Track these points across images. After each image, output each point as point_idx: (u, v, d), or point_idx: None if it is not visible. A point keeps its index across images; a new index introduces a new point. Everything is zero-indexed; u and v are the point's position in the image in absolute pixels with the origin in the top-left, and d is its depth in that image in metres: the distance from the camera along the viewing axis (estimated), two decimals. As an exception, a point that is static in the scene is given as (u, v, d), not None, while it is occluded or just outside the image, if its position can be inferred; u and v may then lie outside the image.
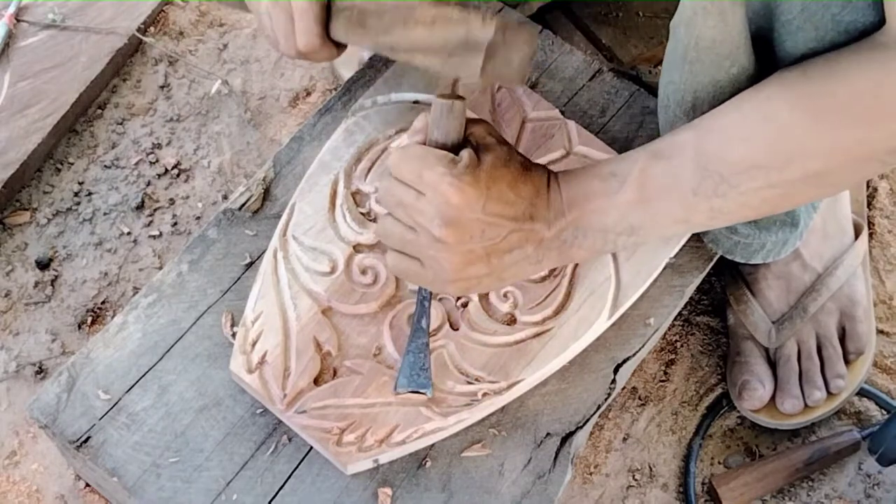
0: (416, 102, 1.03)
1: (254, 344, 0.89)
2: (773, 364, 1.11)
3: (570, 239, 0.83)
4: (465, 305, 0.94)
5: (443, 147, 0.81)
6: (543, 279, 0.95)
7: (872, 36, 0.74)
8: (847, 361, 1.11)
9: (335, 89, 1.27)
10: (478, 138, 0.83)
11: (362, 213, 0.97)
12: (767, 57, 0.85)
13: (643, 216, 0.81)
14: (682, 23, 0.86)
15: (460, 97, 0.81)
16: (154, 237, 1.20)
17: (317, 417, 0.87)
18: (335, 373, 0.90)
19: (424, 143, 0.83)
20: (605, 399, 0.94)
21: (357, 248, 0.95)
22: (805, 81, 0.76)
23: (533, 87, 1.09)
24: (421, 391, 0.88)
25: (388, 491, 0.88)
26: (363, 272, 0.94)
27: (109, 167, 1.24)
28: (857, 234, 1.15)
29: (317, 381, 0.89)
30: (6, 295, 1.16)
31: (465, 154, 0.80)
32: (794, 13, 0.79)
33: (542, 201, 0.82)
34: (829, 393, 1.10)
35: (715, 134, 0.79)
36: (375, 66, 1.08)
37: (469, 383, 0.90)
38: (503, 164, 0.81)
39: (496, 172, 0.80)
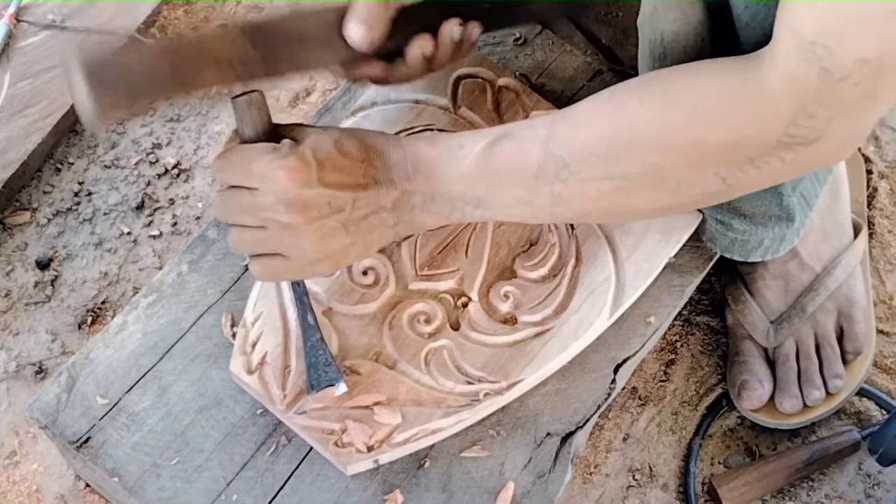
0: (416, 102, 1.03)
1: (254, 344, 0.89)
2: (772, 364, 1.11)
3: (420, 204, 0.81)
4: (465, 305, 0.94)
5: (257, 142, 0.79)
6: (544, 279, 0.95)
7: (746, 55, 0.74)
8: (845, 361, 1.11)
9: (335, 89, 1.27)
10: (291, 130, 0.81)
11: (362, 214, 0.97)
12: (734, 51, 0.86)
13: (488, 191, 0.80)
14: (646, 20, 0.87)
15: (255, 90, 0.79)
16: (154, 237, 1.20)
17: (317, 418, 0.87)
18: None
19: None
20: (605, 399, 0.94)
21: (357, 248, 0.95)
22: (664, 78, 0.77)
23: (533, 87, 1.09)
24: (333, 386, 0.86)
25: (399, 497, 0.88)
26: (363, 273, 0.94)
27: (109, 167, 1.24)
28: (856, 234, 1.15)
29: (317, 382, 0.89)
30: (6, 295, 1.16)
31: (285, 140, 0.78)
32: (741, 9, 0.80)
33: (382, 162, 0.80)
34: (827, 393, 1.10)
35: (567, 120, 0.79)
36: (375, 66, 1.08)
37: (469, 383, 0.90)
38: (325, 137, 0.79)
39: (320, 145, 0.78)
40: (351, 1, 0.82)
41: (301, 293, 0.87)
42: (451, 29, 0.87)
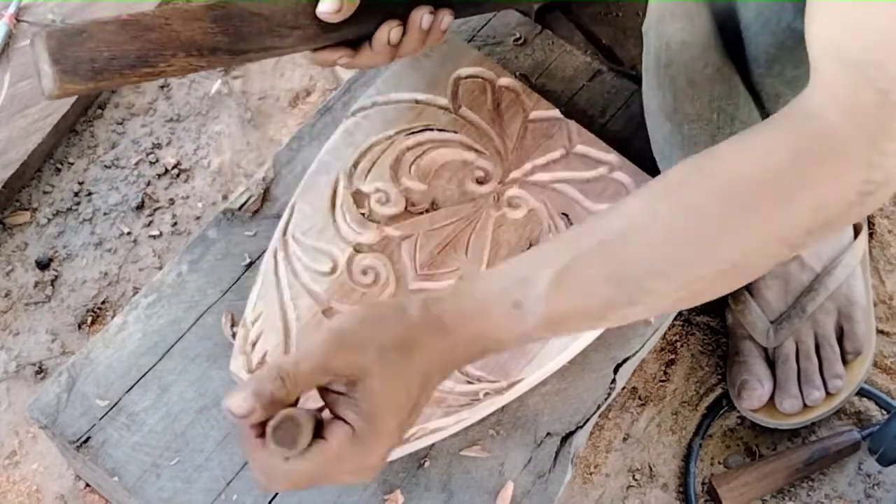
0: (416, 102, 1.03)
1: (254, 344, 0.89)
2: (772, 364, 1.11)
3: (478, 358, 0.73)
4: (465, 305, 0.94)
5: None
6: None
7: (790, 104, 0.67)
8: (845, 362, 1.11)
9: (335, 89, 1.27)
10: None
11: (362, 214, 0.97)
12: (737, 60, 0.86)
13: (556, 332, 0.72)
14: (652, 27, 0.86)
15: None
16: (154, 237, 1.20)
17: (317, 417, 0.87)
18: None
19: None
20: (605, 399, 0.94)
21: (357, 248, 0.95)
22: (713, 165, 0.68)
23: (533, 87, 1.09)
24: None
25: (400, 497, 0.88)
26: (364, 272, 0.94)
27: (109, 167, 1.24)
28: (856, 234, 1.15)
29: (317, 381, 0.89)
30: (6, 295, 1.16)
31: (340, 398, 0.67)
32: (752, 18, 0.78)
33: (434, 361, 0.69)
34: (827, 393, 1.10)
35: (627, 238, 0.69)
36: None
37: (469, 383, 0.90)
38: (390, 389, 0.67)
39: (381, 405, 0.66)
40: None
41: None
42: (422, 16, 0.85)
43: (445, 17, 0.87)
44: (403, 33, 0.85)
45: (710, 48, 0.83)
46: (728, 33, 0.83)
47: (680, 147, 0.94)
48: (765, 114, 0.91)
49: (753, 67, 0.85)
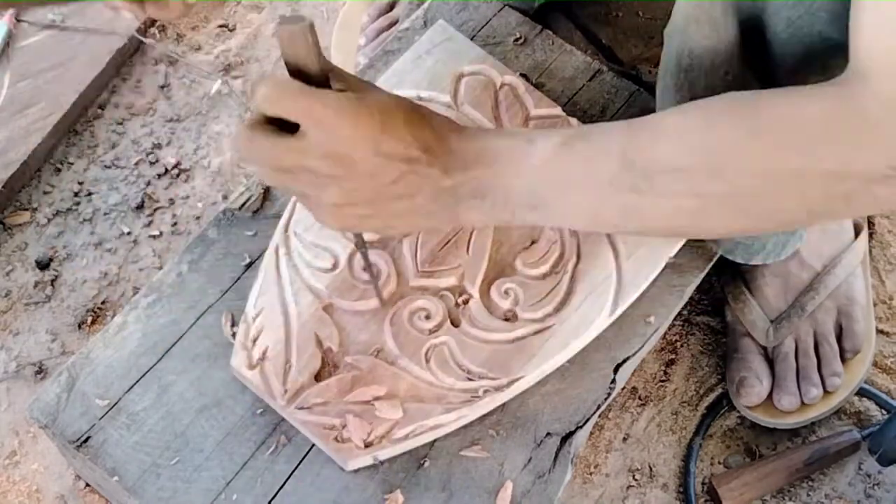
0: (419, 98, 1.03)
1: (255, 340, 0.89)
2: (770, 361, 1.11)
3: (468, 197, 0.76)
4: (466, 302, 0.94)
5: (307, 80, 0.71)
6: (545, 276, 0.95)
7: (832, 81, 0.69)
8: (843, 360, 1.11)
9: (335, 89, 1.27)
10: (358, 84, 0.74)
11: (363, 212, 0.97)
12: (760, 67, 0.86)
13: (551, 191, 0.75)
14: (676, 31, 0.86)
15: (302, 17, 0.70)
16: (154, 237, 1.20)
17: (318, 413, 0.87)
18: (336, 369, 0.90)
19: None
20: (605, 399, 0.94)
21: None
22: (755, 100, 0.71)
23: (533, 86, 1.09)
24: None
25: (400, 497, 0.88)
26: (364, 269, 0.94)
27: (109, 167, 1.24)
28: (857, 234, 1.15)
29: (318, 377, 0.89)
30: (6, 295, 1.16)
31: (351, 93, 0.72)
32: (781, 27, 0.78)
33: (444, 147, 0.75)
34: (826, 391, 1.10)
35: (650, 128, 0.73)
36: (375, 66, 1.08)
37: (470, 380, 0.90)
38: (398, 106, 0.74)
39: (390, 110, 0.73)
40: None
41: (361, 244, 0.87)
42: None
43: None
44: None
45: (733, 56, 0.83)
46: (751, 40, 0.83)
47: None
48: None
49: (779, 74, 0.84)
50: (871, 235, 1.23)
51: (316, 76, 0.72)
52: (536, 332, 0.93)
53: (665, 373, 1.16)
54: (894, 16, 0.63)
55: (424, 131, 0.75)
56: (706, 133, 0.71)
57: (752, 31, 0.83)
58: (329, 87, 0.74)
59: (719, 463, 1.13)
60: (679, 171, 0.71)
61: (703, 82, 0.87)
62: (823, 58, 0.79)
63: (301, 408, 0.87)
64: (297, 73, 0.72)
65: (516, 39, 1.14)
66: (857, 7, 0.65)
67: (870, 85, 0.65)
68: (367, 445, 0.86)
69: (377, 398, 0.88)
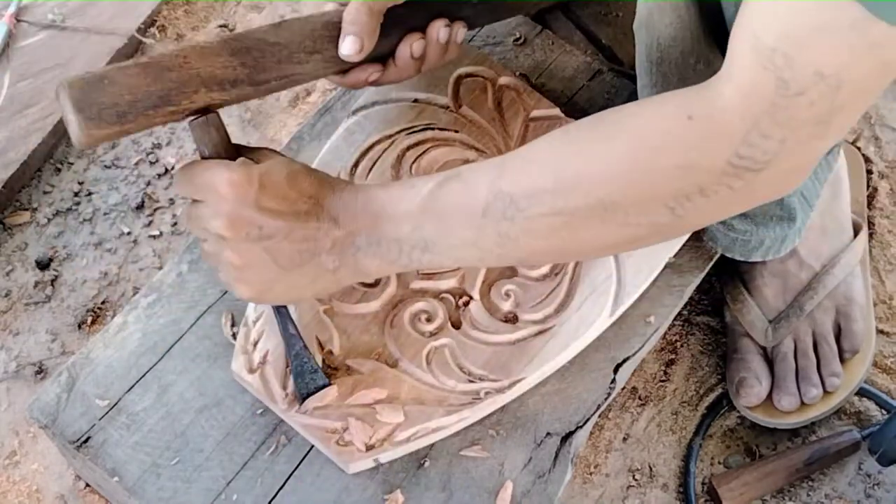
0: (417, 101, 1.03)
1: (255, 343, 0.89)
2: (770, 361, 1.11)
3: (364, 246, 0.79)
4: (466, 304, 0.94)
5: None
6: (545, 277, 0.95)
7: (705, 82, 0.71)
8: (842, 360, 1.11)
9: (335, 89, 1.27)
10: (254, 153, 0.80)
11: (363, 213, 0.97)
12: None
13: (435, 231, 0.77)
14: (642, 24, 0.87)
15: (209, 110, 0.78)
16: (154, 237, 1.20)
17: (318, 416, 0.87)
18: (337, 372, 0.90)
19: None
20: (605, 399, 0.94)
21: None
22: (614, 113, 0.74)
23: (533, 86, 1.09)
24: (321, 387, 0.87)
25: (400, 498, 0.88)
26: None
27: (109, 167, 1.24)
28: (856, 234, 1.15)
29: (318, 380, 0.89)
30: (6, 295, 1.16)
31: (240, 159, 0.78)
32: (731, 12, 0.79)
33: (332, 202, 0.79)
34: (825, 391, 1.10)
35: (518, 157, 0.76)
36: (375, 66, 1.08)
37: (471, 382, 0.90)
38: (282, 164, 0.78)
39: (272, 168, 0.77)
40: (335, 9, 0.82)
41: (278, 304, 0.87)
42: (438, 30, 0.87)
43: (460, 30, 0.89)
44: (424, 47, 0.87)
45: (700, 43, 0.84)
46: (718, 28, 0.84)
47: None
48: None
49: None
50: (871, 235, 1.23)
51: (226, 155, 0.79)
52: (537, 334, 0.93)
53: (665, 373, 1.16)
54: (764, 3, 0.63)
55: (308, 186, 0.79)
56: (564, 150, 0.74)
57: (716, 17, 0.83)
58: None
59: (719, 463, 1.13)
60: (541, 193, 0.73)
61: (676, 74, 0.88)
62: None
63: (302, 411, 0.87)
64: (209, 157, 0.79)
65: (516, 39, 1.14)
66: (742, 5, 0.66)
67: (731, 73, 0.67)
68: (369, 448, 0.86)
69: (378, 401, 0.88)
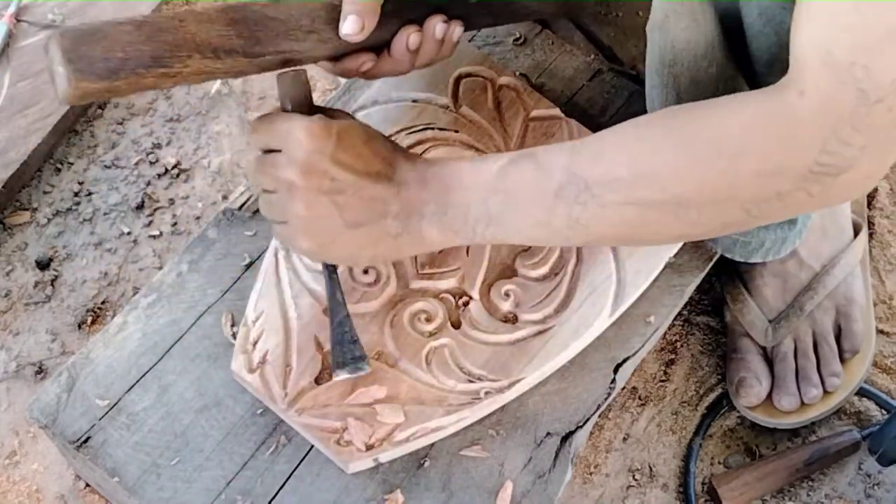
0: (417, 101, 1.03)
1: (255, 343, 0.89)
2: (770, 361, 1.11)
3: (430, 214, 0.80)
4: (466, 304, 0.94)
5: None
6: (545, 277, 0.95)
7: (771, 86, 0.71)
8: (842, 360, 1.11)
9: (335, 89, 1.27)
10: (332, 111, 0.83)
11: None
12: (741, 60, 0.86)
13: (504, 206, 0.79)
14: (657, 26, 0.87)
15: (301, 68, 0.82)
16: (154, 237, 1.20)
17: (318, 416, 0.87)
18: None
19: None
20: (605, 399, 0.94)
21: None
22: (685, 112, 0.75)
23: (533, 86, 1.09)
24: (359, 368, 0.86)
25: (400, 498, 0.88)
26: (364, 271, 0.94)
27: (109, 167, 1.24)
28: (856, 234, 1.15)
29: (318, 381, 0.89)
30: (6, 295, 1.16)
31: (318, 114, 0.81)
32: (754, 17, 0.79)
33: (404, 166, 0.81)
34: (825, 391, 1.10)
35: (590, 145, 0.78)
36: (375, 66, 1.08)
37: (470, 382, 0.90)
38: (359, 125, 0.81)
39: (350, 128, 0.80)
40: None
41: (331, 269, 0.87)
42: (435, 25, 0.87)
43: (456, 29, 0.89)
44: (420, 41, 0.87)
45: (714, 47, 0.84)
46: (732, 33, 0.84)
47: None
48: None
49: (756, 67, 0.85)
50: (871, 235, 1.23)
51: (306, 110, 0.82)
52: (537, 334, 0.93)
53: (665, 373, 1.16)
54: (826, 14, 0.64)
55: (383, 148, 0.81)
56: (638, 145, 0.75)
57: (731, 23, 0.83)
58: None
59: (719, 463, 1.13)
60: (617, 182, 0.75)
61: (688, 77, 0.88)
62: None
63: (302, 411, 0.87)
64: (288, 110, 0.83)
65: (516, 39, 1.14)
66: (798, 7, 0.67)
67: (800, 84, 0.67)
68: (369, 448, 0.86)
69: (378, 401, 0.88)
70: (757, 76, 0.87)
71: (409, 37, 0.86)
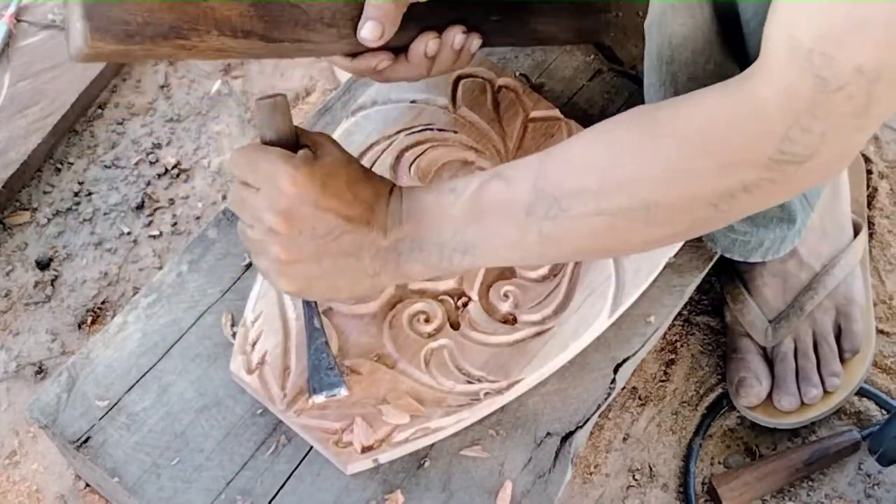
0: (415, 102, 1.03)
1: (254, 344, 0.89)
2: (770, 361, 1.11)
3: (406, 252, 0.80)
4: (465, 305, 0.94)
5: (277, 145, 0.80)
6: (544, 278, 0.95)
7: (733, 77, 0.71)
8: (842, 360, 1.11)
9: (335, 89, 1.27)
10: (315, 141, 0.82)
11: (362, 213, 0.97)
12: (739, 57, 0.86)
13: (477, 233, 0.78)
14: (654, 23, 0.87)
15: (280, 94, 0.80)
16: (154, 237, 1.20)
17: (317, 417, 0.87)
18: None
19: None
20: (605, 399, 0.94)
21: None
22: (653, 110, 0.74)
23: (533, 87, 1.09)
24: (335, 393, 0.86)
25: (400, 498, 0.88)
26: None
27: (109, 167, 1.24)
28: (856, 234, 1.15)
29: (317, 381, 0.89)
30: (6, 295, 1.16)
31: (302, 151, 0.79)
32: (749, 15, 0.79)
33: (382, 209, 0.80)
34: (825, 391, 1.10)
35: (557, 157, 0.76)
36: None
37: (469, 383, 0.90)
38: (342, 164, 0.80)
39: (334, 170, 0.79)
40: None
41: (308, 312, 0.87)
42: (455, 35, 0.87)
43: (474, 41, 0.90)
44: (438, 48, 0.87)
45: (712, 44, 0.84)
46: (729, 30, 0.84)
47: None
48: None
49: (753, 62, 0.85)
50: (871, 235, 1.23)
51: (287, 141, 0.81)
52: (536, 335, 0.93)
53: (665, 373, 1.16)
54: (794, 11, 0.64)
55: (365, 191, 0.80)
56: (604, 151, 0.74)
57: (728, 18, 0.83)
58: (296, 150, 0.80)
59: (719, 463, 1.13)
60: (585, 192, 0.74)
61: (686, 74, 0.88)
62: None
63: (300, 412, 0.87)
64: (270, 141, 0.81)
65: (516, 39, 1.14)
66: (772, 5, 0.67)
67: (768, 74, 0.67)
68: (368, 449, 0.86)
69: (380, 402, 0.88)
70: None
71: (427, 43, 0.86)
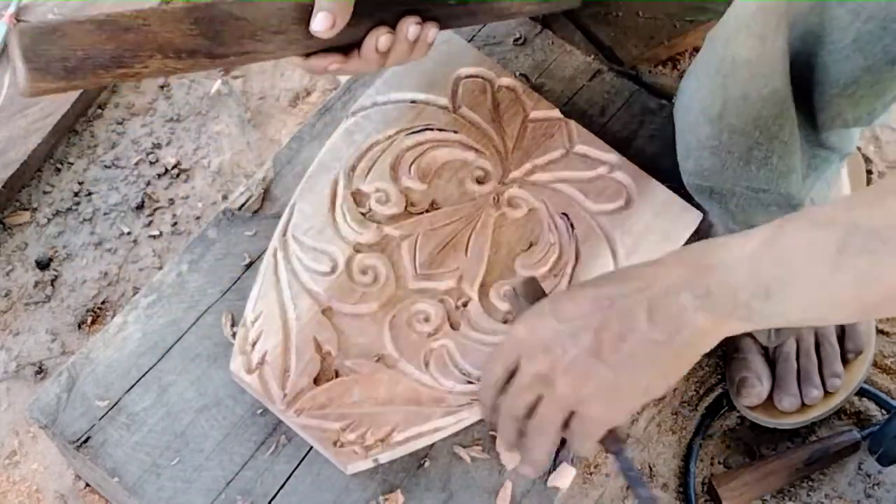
0: (416, 102, 1.03)
1: (254, 344, 0.89)
2: (771, 361, 1.11)
3: (691, 303, 0.70)
4: (465, 305, 0.94)
5: None
6: (544, 278, 0.95)
7: None
8: (845, 360, 1.11)
9: (335, 89, 1.27)
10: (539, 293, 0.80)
11: (362, 214, 0.97)
12: (804, 80, 0.85)
13: (779, 274, 0.67)
14: (721, 38, 0.86)
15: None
16: (154, 237, 1.20)
17: (317, 417, 0.87)
18: (336, 373, 0.90)
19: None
20: (605, 399, 0.94)
21: (357, 247, 0.95)
22: None
23: (533, 87, 1.09)
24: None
25: (400, 498, 0.88)
26: (363, 272, 0.94)
27: (109, 167, 1.24)
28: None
29: (317, 381, 0.89)
30: (6, 295, 1.16)
31: (541, 302, 0.77)
32: (846, 42, 0.78)
33: (618, 275, 0.75)
34: (826, 392, 1.10)
35: (871, 192, 0.68)
36: (375, 67, 1.08)
37: (469, 383, 0.90)
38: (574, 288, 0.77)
39: (557, 295, 0.76)
40: None
41: (627, 465, 0.79)
42: (408, 27, 0.85)
43: (431, 30, 0.87)
44: (391, 43, 0.85)
45: (775, 71, 0.83)
46: (798, 60, 0.83)
47: (713, 151, 0.94)
48: (810, 131, 0.93)
49: (827, 87, 0.85)
50: (871, 235, 1.23)
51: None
52: (536, 334, 0.93)
53: (665, 373, 1.16)
54: None
55: (596, 283, 0.75)
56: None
57: (802, 46, 0.82)
58: None
59: (719, 463, 1.13)
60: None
61: (739, 91, 0.87)
62: (881, 72, 0.79)
63: (300, 412, 0.87)
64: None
65: (516, 40, 1.14)
66: None
67: None
68: (367, 449, 0.86)
69: (378, 402, 0.88)
70: (824, 95, 0.86)
71: (378, 38, 0.84)
